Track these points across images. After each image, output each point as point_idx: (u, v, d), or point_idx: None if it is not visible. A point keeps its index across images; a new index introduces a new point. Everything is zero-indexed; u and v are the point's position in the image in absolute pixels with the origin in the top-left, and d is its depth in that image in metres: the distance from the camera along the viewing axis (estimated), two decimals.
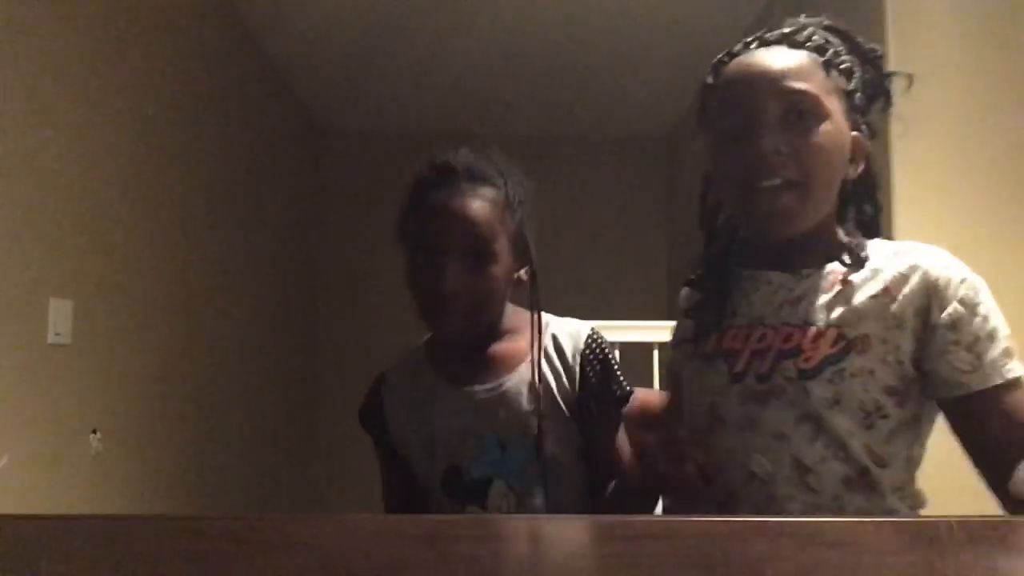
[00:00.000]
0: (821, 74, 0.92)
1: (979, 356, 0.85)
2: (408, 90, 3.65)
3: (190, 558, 0.42)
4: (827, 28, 0.98)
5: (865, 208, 1.00)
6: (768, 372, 0.90)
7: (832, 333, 0.88)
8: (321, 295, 4.16)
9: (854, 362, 0.86)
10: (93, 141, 1.95)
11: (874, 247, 0.95)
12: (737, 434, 0.90)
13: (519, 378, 1.05)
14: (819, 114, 0.90)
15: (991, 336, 0.86)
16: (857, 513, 0.83)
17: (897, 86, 1.00)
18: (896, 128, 1.02)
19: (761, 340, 0.92)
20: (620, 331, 2.09)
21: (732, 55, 0.99)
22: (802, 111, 0.90)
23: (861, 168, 0.96)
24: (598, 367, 1.05)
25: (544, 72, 3.42)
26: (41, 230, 1.73)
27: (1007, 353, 0.86)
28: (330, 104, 3.94)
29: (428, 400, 1.08)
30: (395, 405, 1.12)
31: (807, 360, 0.88)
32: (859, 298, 0.89)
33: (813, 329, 0.89)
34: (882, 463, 0.87)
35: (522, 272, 1.07)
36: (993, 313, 0.87)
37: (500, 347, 1.08)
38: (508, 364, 1.06)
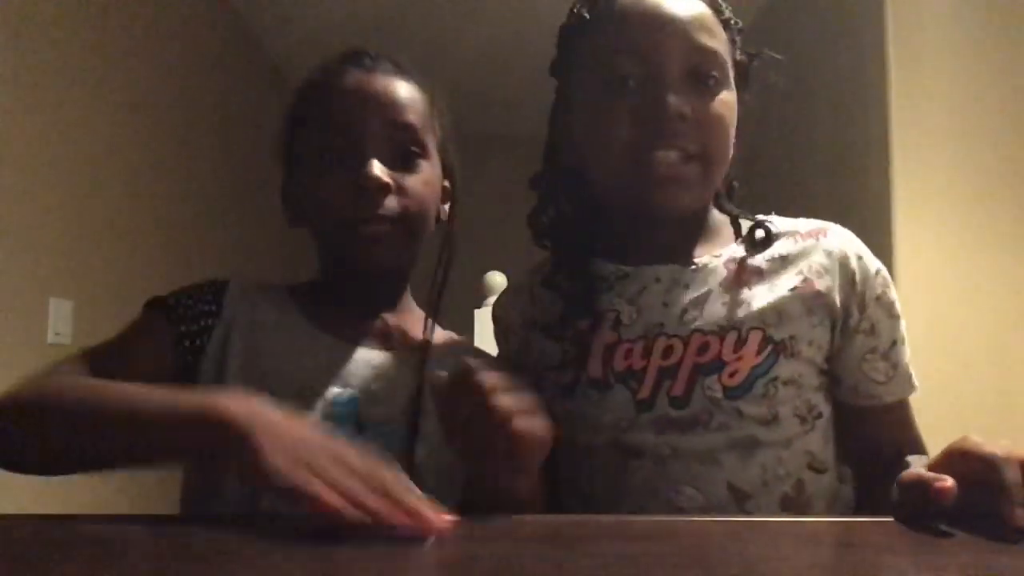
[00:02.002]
0: (723, 33, 0.78)
1: (894, 365, 0.78)
2: None
3: (189, 558, 0.42)
4: None
5: (734, 184, 0.87)
6: (686, 394, 0.73)
7: (756, 337, 0.73)
8: None
9: (784, 368, 0.73)
10: (94, 141, 1.95)
11: (768, 225, 0.80)
12: (656, 467, 0.73)
13: (414, 361, 0.81)
14: (722, 79, 0.76)
15: (902, 340, 0.79)
16: None
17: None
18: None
19: (668, 355, 0.74)
20: None
21: None
22: (705, 73, 0.75)
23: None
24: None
25: (544, 72, 3.42)
26: (41, 230, 1.73)
27: (909, 360, 0.80)
28: None
29: (284, 332, 0.80)
30: (236, 314, 0.79)
31: (732, 375, 0.73)
32: (777, 292, 0.75)
33: (732, 334, 0.74)
34: (823, 467, 0.77)
35: (444, 207, 0.87)
36: (900, 310, 0.79)
37: (399, 317, 0.86)
38: (399, 339, 0.84)
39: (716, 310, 0.75)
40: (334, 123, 0.79)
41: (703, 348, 0.74)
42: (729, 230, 0.82)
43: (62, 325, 1.78)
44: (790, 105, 2.35)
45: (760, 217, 0.82)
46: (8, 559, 0.44)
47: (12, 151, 1.64)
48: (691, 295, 0.76)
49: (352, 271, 0.83)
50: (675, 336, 0.75)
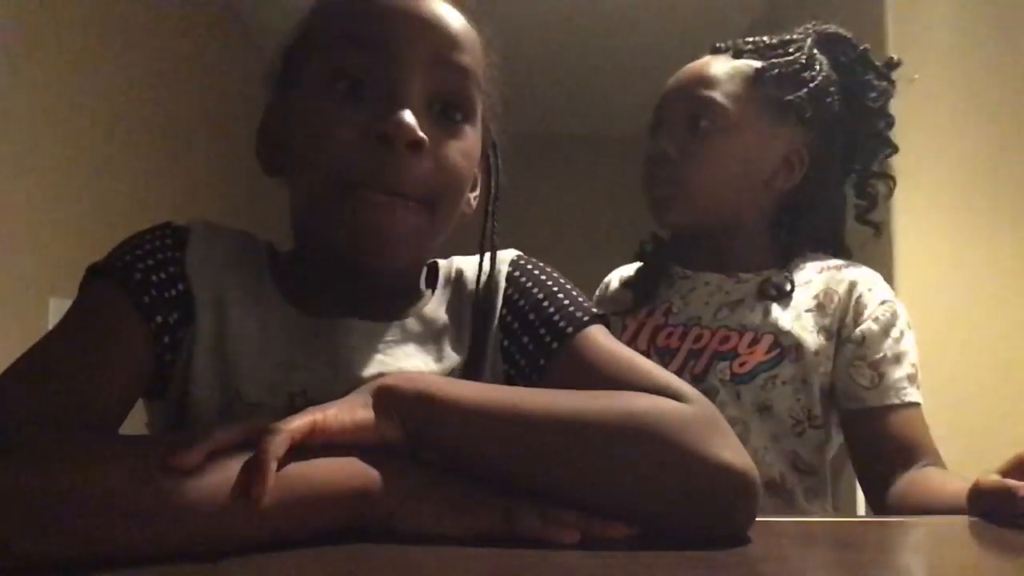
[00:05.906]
0: (740, 83, 0.95)
1: (881, 375, 0.88)
2: None
3: (189, 557, 0.42)
4: (825, 36, 1.08)
5: (819, 212, 1.01)
6: (703, 372, 0.91)
7: (768, 340, 0.90)
8: None
9: (786, 370, 0.89)
10: (94, 141, 1.95)
11: (812, 261, 0.97)
12: None
13: (418, 315, 0.65)
14: (721, 124, 0.94)
15: (897, 358, 0.89)
16: (771, 515, 0.78)
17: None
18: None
19: (697, 340, 0.93)
20: None
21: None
22: (701, 118, 0.95)
23: (798, 178, 0.97)
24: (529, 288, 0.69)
25: (544, 72, 3.42)
26: (41, 230, 1.73)
27: (909, 378, 0.89)
28: None
29: (254, 311, 0.64)
30: (201, 274, 0.65)
31: (742, 364, 0.90)
32: (795, 308, 0.92)
33: (750, 334, 0.91)
34: (808, 470, 0.89)
35: (472, 196, 0.66)
36: (905, 338, 0.91)
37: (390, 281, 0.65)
38: (401, 299, 0.66)
39: (744, 314, 0.93)
40: (361, 40, 0.58)
41: (725, 340, 0.92)
42: (778, 251, 0.98)
43: None
44: None
45: (792, 257, 0.97)
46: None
47: (12, 151, 1.64)
48: (728, 299, 0.95)
49: (337, 261, 0.62)
50: (707, 328, 0.94)
